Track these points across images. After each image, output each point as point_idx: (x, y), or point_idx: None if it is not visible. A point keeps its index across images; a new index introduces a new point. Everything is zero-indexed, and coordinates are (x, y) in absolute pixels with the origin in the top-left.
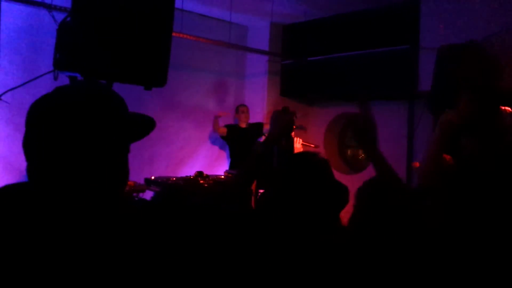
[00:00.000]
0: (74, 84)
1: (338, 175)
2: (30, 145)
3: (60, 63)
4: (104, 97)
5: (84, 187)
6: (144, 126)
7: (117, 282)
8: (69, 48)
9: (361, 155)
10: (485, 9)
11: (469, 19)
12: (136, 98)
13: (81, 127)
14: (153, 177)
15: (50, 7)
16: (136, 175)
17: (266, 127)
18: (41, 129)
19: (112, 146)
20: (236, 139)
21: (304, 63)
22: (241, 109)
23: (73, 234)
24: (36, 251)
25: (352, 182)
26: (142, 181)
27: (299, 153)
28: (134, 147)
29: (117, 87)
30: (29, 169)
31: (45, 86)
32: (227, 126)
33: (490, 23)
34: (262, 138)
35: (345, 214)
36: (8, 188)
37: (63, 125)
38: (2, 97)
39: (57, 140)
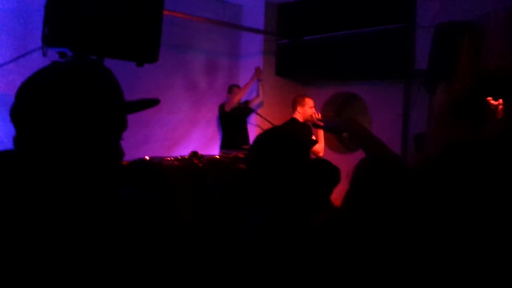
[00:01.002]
0: (69, 61)
1: (334, 155)
2: (19, 116)
3: (48, 39)
4: (99, 74)
5: (71, 162)
6: (144, 103)
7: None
8: (57, 23)
9: None
10: None
11: None
12: (130, 79)
13: (72, 102)
14: (147, 157)
15: None
16: (131, 156)
17: (252, 103)
18: (34, 101)
19: (104, 122)
20: (229, 119)
21: (300, 42)
22: (235, 90)
23: (54, 211)
24: (14, 226)
25: (348, 161)
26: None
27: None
28: (129, 126)
29: (111, 65)
30: (17, 139)
31: (37, 67)
32: (220, 105)
33: (485, 2)
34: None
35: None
36: None
37: (55, 98)
38: None
39: (48, 113)
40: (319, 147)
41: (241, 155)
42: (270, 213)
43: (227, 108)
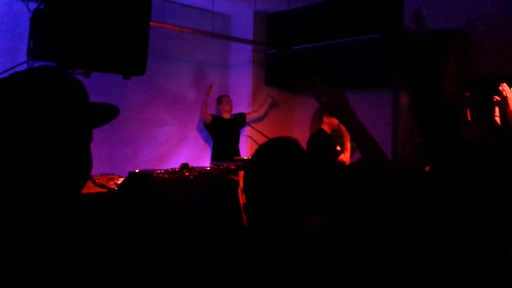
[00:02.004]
0: (30, 69)
1: None
2: None
3: (34, 52)
4: (59, 82)
5: (33, 178)
6: (105, 113)
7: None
8: (43, 37)
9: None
10: None
11: (450, 5)
12: (118, 91)
13: (32, 112)
14: (137, 170)
15: None
16: (120, 169)
17: (250, 116)
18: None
19: (67, 133)
20: (220, 130)
21: (289, 52)
22: (224, 99)
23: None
24: None
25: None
26: (126, 175)
27: (273, 141)
28: (118, 140)
29: (99, 79)
30: None
31: None
32: (212, 115)
33: (471, 9)
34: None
35: None
36: None
37: (12, 110)
38: None
39: (5, 126)
40: (345, 157)
41: (232, 166)
42: (265, 221)
43: (226, 116)
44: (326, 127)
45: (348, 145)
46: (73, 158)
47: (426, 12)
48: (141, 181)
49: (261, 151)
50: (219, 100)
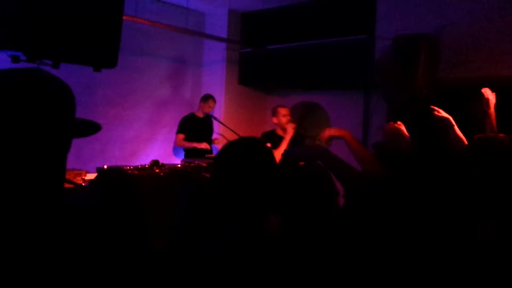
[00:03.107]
0: (16, 70)
1: None
2: None
3: (0, 41)
4: (48, 89)
5: (12, 184)
6: (86, 128)
7: None
8: (9, 24)
9: (318, 143)
10: (437, 1)
11: (422, 10)
12: (89, 84)
13: (14, 117)
14: (105, 167)
15: None
16: (88, 165)
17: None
18: None
19: (49, 142)
20: (193, 129)
21: (263, 51)
22: (211, 103)
23: None
24: None
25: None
26: (94, 171)
27: (240, 140)
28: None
29: (68, 71)
30: None
31: None
32: (183, 119)
33: (442, 15)
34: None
35: None
36: None
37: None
38: None
39: None
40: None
41: (204, 164)
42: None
43: (200, 114)
44: (277, 128)
45: (284, 143)
46: (50, 167)
47: (397, 16)
48: (114, 177)
49: (226, 151)
50: (206, 99)
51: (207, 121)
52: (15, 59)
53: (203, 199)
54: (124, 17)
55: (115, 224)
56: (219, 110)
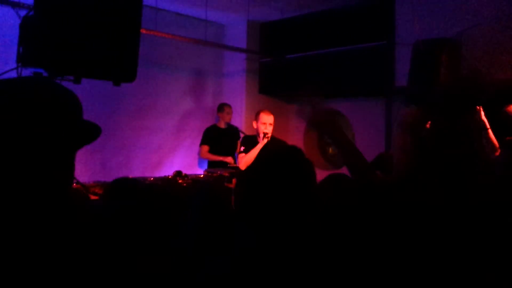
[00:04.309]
0: (25, 79)
1: (319, 172)
2: None
3: (23, 58)
4: (54, 96)
5: (20, 186)
6: (89, 134)
7: None
8: (32, 43)
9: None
10: (457, 6)
11: (442, 15)
12: (111, 98)
13: (25, 124)
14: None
15: (13, 4)
16: (113, 176)
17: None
18: None
19: (55, 148)
20: (216, 140)
21: (282, 60)
22: (227, 109)
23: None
24: None
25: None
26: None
27: (283, 151)
28: (110, 147)
29: (92, 85)
30: None
31: None
32: (206, 130)
33: (462, 19)
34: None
35: None
36: None
37: (5, 120)
38: None
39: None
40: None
41: (226, 174)
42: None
43: (222, 125)
44: (220, 123)
45: (255, 149)
46: (56, 169)
47: (417, 21)
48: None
49: (268, 159)
50: (221, 108)
51: (231, 131)
52: (37, 76)
53: (216, 207)
54: (144, 31)
55: (126, 231)
56: (240, 120)
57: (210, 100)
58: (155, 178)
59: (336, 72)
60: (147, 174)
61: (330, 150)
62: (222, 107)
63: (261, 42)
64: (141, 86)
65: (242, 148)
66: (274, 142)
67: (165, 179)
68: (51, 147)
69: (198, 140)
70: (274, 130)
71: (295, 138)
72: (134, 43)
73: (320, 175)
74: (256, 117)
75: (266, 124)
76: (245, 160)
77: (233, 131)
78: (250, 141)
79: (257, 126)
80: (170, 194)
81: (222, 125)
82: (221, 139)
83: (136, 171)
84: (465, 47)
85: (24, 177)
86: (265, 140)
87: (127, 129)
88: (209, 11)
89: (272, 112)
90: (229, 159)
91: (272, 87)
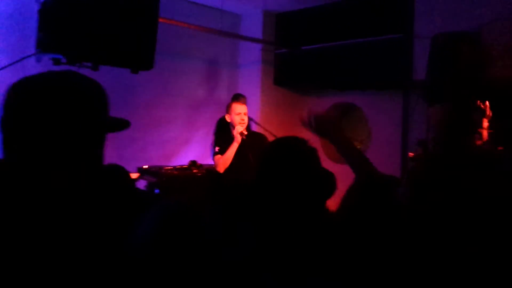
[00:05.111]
0: (60, 72)
1: (333, 165)
2: (8, 124)
3: (42, 44)
4: (87, 88)
5: (56, 171)
6: (118, 124)
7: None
8: (51, 29)
9: (357, 146)
10: None
11: (462, 7)
12: (127, 87)
13: (61, 114)
14: (145, 166)
15: None
16: (129, 164)
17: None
18: (19, 109)
19: (87, 135)
20: (229, 131)
21: (298, 52)
22: (241, 99)
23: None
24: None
25: (347, 171)
26: (135, 170)
27: (285, 139)
28: (126, 136)
29: (108, 74)
30: (3, 146)
31: (33, 71)
32: (219, 120)
33: (483, 11)
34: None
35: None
36: None
37: (44, 109)
38: None
39: (35, 122)
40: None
41: None
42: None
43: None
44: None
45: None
46: (89, 154)
47: (437, 14)
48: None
49: (270, 150)
50: (235, 99)
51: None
52: (56, 62)
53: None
54: (160, 20)
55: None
56: (255, 111)
57: (225, 91)
58: (171, 168)
59: (353, 65)
60: (162, 163)
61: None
62: (236, 98)
63: (276, 32)
64: (157, 75)
65: (217, 149)
66: (254, 136)
67: (180, 168)
68: (89, 128)
69: (212, 130)
70: (289, 122)
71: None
72: (152, 30)
73: (337, 168)
74: (228, 109)
75: (240, 114)
76: (222, 161)
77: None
78: (224, 139)
79: (231, 118)
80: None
81: None
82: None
83: (152, 160)
84: (485, 42)
85: (59, 161)
86: (240, 138)
87: (143, 118)
88: (225, 0)
89: (287, 104)
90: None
91: (287, 78)
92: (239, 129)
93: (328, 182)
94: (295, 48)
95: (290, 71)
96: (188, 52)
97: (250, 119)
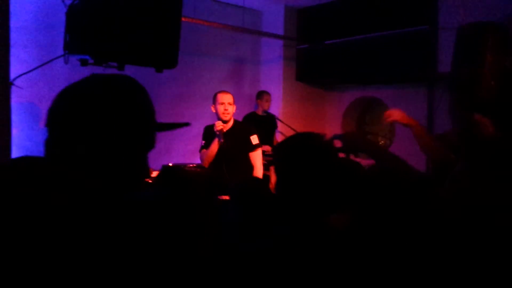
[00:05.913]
0: (110, 75)
1: (358, 160)
2: (55, 120)
3: (70, 46)
4: (135, 92)
5: (101, 176)
6: (167, 126)
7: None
8: (78, 31)
9: (381, 141)
10: None
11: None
12: (152, 85)
13: (108, 115)
14: (170, 164)
15: None
16: (155, 162)
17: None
18: (70, 108)
19: (135, 138)
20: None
21: (320, 47)
22: (266, 97)
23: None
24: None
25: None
26: (159, 168)
27: (300, 135)
28: None
29: (133, 73)
30: (48, 142)
31: (61, 77)
32: (245, 117)
33: (508, 2)
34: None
35: None
36: (22, 160)
37: (92, 109)
38: (15, 83)
39: (82, 122)
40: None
41: (264, 162)
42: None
43: (259, 112)
44: (258, 110)
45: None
46: (135, 159)
47: (462, 5)
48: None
49: (285, 147)
50: (260, 95)
51: (268, 119)
52: (83, 63)
53: (257, 197)
54: (183, 19)
55: (175, 218)
56: (277, 107)
57: (248, 87)
58: (195, 165)
59: (376, 58)
60: (187, 161)
61: (367, 137)
62: (261, 94)
63: (298, 28)
64: (181, 73)
65: (203, 143)
66: (239, 127)
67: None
68: (133, 135)
69: None
70: (312, 118)
71: (333, 125)
72: (175, 29)
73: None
74: (214, 100)
75: (224, 103)
76: (206, 156)
77: (270, 118)
78: (210, 133)
79: (216, 109)
80: (215, 183)
81: (260, 112)
82: (259, 126)
83: (176, 158)
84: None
85: (106, 163)
86: (220, 136)
87: (167, 116)
88: None
89: (309, 99)
90: (266, 147)
91: (309, 74)
92: (218, 126)
93: (351, 172)
94: (317, 43)
95: (312, 66)
96: (210, 50)
97: (272, 115)
